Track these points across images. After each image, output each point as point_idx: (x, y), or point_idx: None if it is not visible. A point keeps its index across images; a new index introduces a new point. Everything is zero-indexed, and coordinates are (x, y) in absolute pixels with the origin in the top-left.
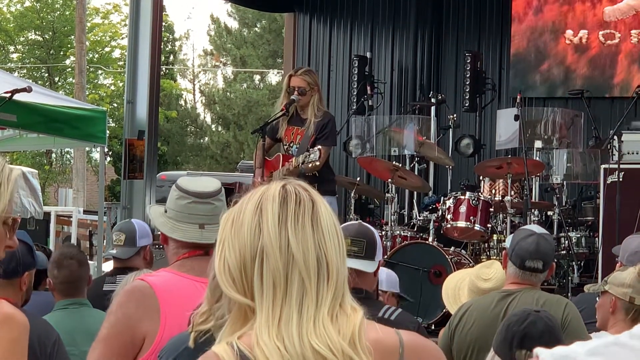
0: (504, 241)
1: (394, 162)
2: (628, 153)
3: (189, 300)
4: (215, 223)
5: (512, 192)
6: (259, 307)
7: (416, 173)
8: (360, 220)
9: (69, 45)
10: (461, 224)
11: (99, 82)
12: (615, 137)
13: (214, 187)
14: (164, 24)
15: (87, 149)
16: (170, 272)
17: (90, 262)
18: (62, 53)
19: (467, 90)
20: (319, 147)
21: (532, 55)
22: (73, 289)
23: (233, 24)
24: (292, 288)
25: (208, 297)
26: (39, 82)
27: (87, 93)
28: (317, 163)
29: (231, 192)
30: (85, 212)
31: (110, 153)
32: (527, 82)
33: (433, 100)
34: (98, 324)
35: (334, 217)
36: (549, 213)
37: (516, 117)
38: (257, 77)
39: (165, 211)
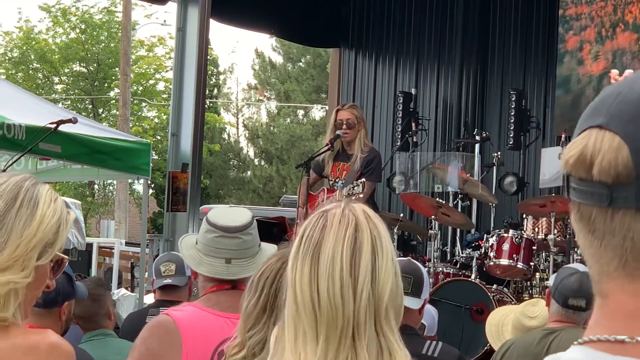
0: (547, 279)
1: (437, 199)
2: None
3: (212, 335)
4: (243, 257)
5: (556, 231)
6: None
7: (459, 210)
8: (410, 257)
9: (113, 77)
10: (504, 261)
11: (143, 115)
12: None
13: (242, 221)
14: (208, 57)
15: (129, 180)
16: (195, 306)
17: (131, 294)
18: (106, 85)
19: (512, 128)
20: (363, 179)
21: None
22: (87, 322)
23: (277, 59)
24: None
25: (240, 328)
26: (83, 113)
27: (131, 125)
28: (361, 196)
29: (274, 225)
30: (127, 244)
31: (152, 185)
32: (573, 121)
33: (477, 137)
34: (124, 354)
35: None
36: None
37: (560, 156)
38: (300, 112)
39: (196, 242)
